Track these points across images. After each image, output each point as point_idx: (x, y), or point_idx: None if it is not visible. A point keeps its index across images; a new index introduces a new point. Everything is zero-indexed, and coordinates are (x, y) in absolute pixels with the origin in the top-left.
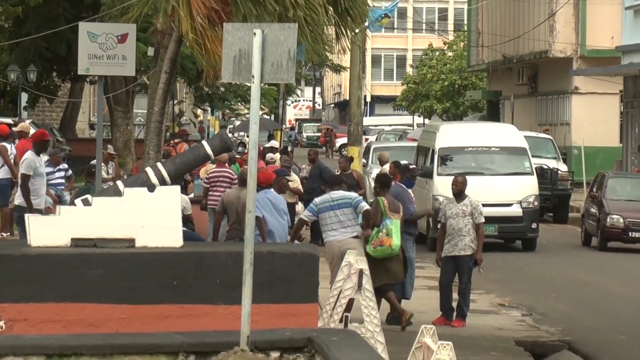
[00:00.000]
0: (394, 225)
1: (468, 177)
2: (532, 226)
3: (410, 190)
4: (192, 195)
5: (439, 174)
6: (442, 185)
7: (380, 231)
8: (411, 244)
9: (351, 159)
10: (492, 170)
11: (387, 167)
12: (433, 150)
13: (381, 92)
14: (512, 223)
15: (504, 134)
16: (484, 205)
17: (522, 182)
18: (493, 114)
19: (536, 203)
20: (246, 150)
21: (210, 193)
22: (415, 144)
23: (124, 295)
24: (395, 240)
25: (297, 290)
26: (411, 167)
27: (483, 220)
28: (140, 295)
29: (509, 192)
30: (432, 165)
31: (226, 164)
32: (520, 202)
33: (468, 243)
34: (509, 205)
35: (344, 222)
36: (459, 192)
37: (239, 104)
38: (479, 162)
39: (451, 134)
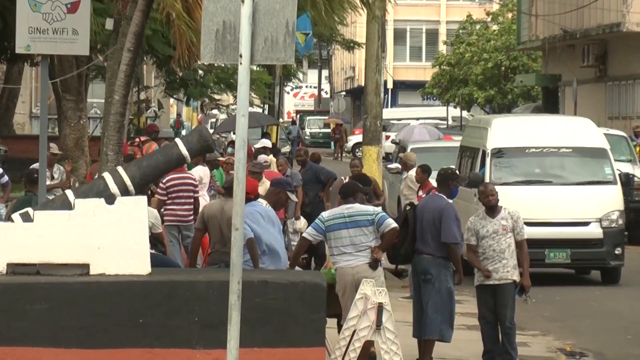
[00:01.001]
0: None
1: (531, 187)
2: (616, 252)
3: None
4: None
5: (492, 183)
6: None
7: None
8: (449, 273)
9: None
10: (563, 178)
11: (413, 172)
12: (484, 152)
13: (406, 77)
14: (589, 248)
15: (577, 130)
16: (552, 224)
17: (603, 193)
18: (550, 104)
19: (621, 221)
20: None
21: (168, 207)
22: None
23: (75, 337)
24: None
25: (299, 330)
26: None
27: (526, 236)
28: (96, 337)
29: (586, 207)
30: (482, 171)
31: (185, 167)
32: (600, 220)
33: (512, 268)
34: (586, 224)
35: (359, 245)
36: (495, 204)
37: (225, 92)
38: (546, 167)
39: (508, 130)
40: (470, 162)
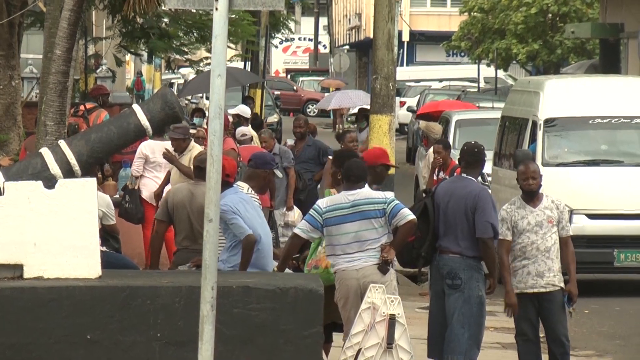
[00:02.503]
0: None
1: (597, 169)
2: None
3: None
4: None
5: (545, 163)
6: (552, 182)
7: (321, 244)
8: (481, 278)
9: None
10: (638, 156)
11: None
12: (534, 123)
13: (427, 26)
14: None
15: None
16: (623, 216)
17: None
18: (609, 61)
19: None
20: (205, 124)
21: None
22: None
23: (5, 357)
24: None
25: (289, 349)
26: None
27: (572, 231)
28: (32, 357)
29: None
30: (532, 148)
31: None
32: None
33: (558, 272)
34: None
35: (366, 242)
36: (536, 190)
37: (199, 45)
38: (615, 142)
39: (565, 95)
40: (516, 137)
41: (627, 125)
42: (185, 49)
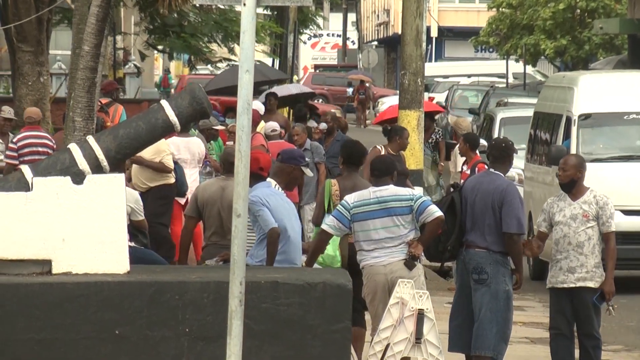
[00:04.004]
0: None
1: (631, 165)
2: None
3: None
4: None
5: None
6: (586, 178)
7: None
8: (507, 273)
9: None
10: None
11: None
12: (568, 119)
13: (455, 22)
14: None
15: None
16: None
17: None
18: (638, 57)
19: None
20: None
21: None
22: None
23: (33, 353)
24: (330, 249)
25: (317, 344)
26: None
27: (614, 228)
28: (59, 353)
29: None
30: (566, 144)
31: (40, 125)
32: None
33: (593, 268)
34: None
35: (394, 238)
36: (570, 181)
37: (217, 43)
38: None
39: (600, 91)
40: (550, 133)
41: None
42: (205, 49)
